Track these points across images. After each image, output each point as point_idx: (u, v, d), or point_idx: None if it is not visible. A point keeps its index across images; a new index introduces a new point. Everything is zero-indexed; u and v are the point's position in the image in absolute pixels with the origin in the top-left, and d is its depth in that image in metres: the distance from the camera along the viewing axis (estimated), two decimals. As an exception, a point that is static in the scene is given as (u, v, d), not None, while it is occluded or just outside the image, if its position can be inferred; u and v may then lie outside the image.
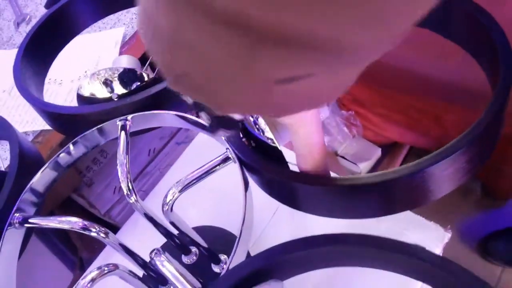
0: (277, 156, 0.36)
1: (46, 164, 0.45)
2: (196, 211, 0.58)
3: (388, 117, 0.98)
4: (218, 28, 0.14)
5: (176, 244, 0.50)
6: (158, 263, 0.37)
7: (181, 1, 0.14)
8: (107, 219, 0.74)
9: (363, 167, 1.15)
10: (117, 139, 0.47)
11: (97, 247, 0.60)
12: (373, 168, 1.19)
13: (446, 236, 0.49)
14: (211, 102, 0.18)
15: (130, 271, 0.42)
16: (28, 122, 0.74)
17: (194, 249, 0.52)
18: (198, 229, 0.53)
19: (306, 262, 0.33)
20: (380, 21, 0.15)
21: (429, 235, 0.49)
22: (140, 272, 0.45)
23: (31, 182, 0.44)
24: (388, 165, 1.23)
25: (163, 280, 0.46)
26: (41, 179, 0.45)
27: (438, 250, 0.48)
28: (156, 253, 0.38)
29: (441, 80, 0.82)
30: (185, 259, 0.53)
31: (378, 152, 1.14)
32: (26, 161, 0.47)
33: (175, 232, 0.47)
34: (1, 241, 0.41)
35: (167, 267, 0.37)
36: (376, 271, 0.33)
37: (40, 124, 0.72)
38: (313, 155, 0.31)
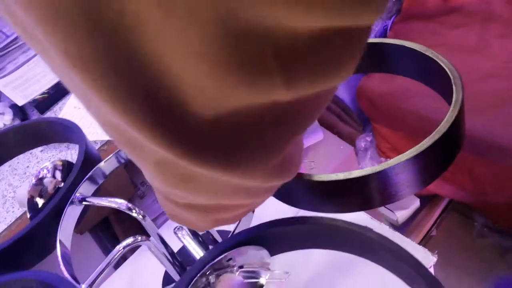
0: None
1: (105, 159, 0.58)
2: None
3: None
4: (183, 207, 0.27)
5: (198, 241, 0.60)
6: (180, 235, 0.48)
7: (160, 196, 0.29)
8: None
9: (400, 216, 1.14)
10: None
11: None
12: (411, 218, 1.19)
13: (432, 260, 0.53)
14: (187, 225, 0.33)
15: (158, 246, 0.52)
16: (97, 133, 0.91)
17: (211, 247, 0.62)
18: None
19: (286, 239, 0.41)
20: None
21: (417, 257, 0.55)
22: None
23: (90, 172, 0.57)
24: (426, 216, 1.21)
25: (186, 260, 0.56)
26: (97, 171, 0.58)
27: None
28: (179, 228, 0.49)
29: (471, 133, 0.87)
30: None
31: (416, 203, 1.14)
32: (89, 158, 0.60)
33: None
34: (64, 213, 0.54)
35: (186, 238, 0.47)
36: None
37: (107, 136, 0.88)
38: None
